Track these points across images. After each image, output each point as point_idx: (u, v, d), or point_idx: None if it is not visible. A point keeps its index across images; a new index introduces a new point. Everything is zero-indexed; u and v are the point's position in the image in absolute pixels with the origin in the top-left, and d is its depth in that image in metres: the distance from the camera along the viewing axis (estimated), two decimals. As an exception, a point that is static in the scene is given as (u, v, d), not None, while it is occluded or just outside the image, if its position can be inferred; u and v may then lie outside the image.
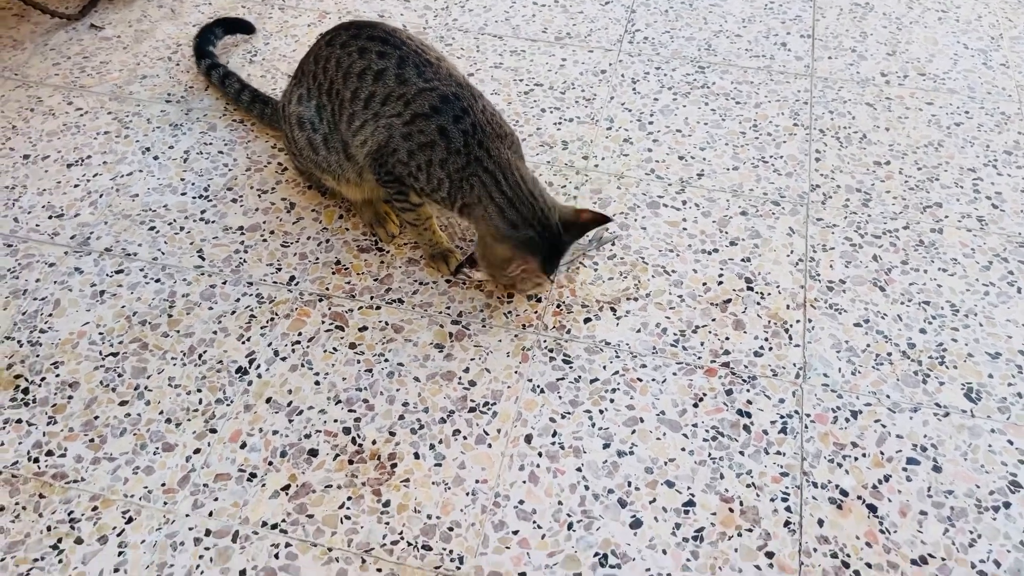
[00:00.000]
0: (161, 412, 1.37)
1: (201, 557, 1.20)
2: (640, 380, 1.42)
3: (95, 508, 1.25)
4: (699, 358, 1.45)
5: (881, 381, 1.41)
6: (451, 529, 1.24)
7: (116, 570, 1.19)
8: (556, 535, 1.23)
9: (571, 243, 1.44)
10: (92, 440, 1.33)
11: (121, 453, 1.32)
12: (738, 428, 1.35)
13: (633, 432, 1.35)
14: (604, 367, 1.44)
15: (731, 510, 1.26)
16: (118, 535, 1.22)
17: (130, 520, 1.24)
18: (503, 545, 1.22)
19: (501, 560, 1.20)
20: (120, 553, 1.20)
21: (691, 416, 1.37)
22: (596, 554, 1.21)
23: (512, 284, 1.48)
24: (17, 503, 1.25)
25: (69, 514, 1.24)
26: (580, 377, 1.43)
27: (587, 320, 1.51)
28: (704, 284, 1.57)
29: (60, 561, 1.19)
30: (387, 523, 1.24)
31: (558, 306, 1.53)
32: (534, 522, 1.25)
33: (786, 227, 1.67)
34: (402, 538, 1.23)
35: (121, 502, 1.26)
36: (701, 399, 1.39)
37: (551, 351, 1.47)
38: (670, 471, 1.30)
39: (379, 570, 1.19)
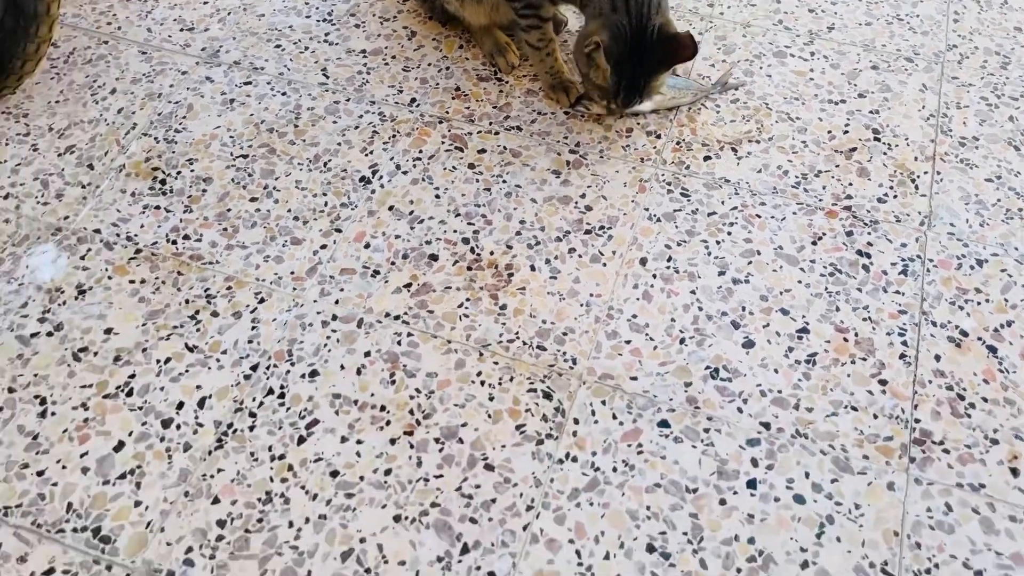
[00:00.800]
0: (289, 210, 1.42)
1: (328, 337, 1.26)
2: (759, 217, 1.41)
3: (229, 288, 1.32)
4: (820, 200, 1.43)
5: (1010, 234, 1.38)
6: (565, 334, 1.27)
7: (250, 341, 1.26)
8: (668, 348, 1.25)
9: (653, 63, 1.41)
10: (225, 229, 1.39)
11: (252, 243, 1.38)
12: (856, 267, 1.34)
13: (749, 263, 1.35)
14: (722, 202, 1.43)
15: (845, 339, 1.26)
16: (251, 312, 1.29)
17: (262, 300, 1.31)
18: (615, 352, 1.25)
19: (613, 365, 1.24)
20: (253, 327, 1.27)
21: (809, 252, 1.36)
22: (707, 367, 1.23)
23: (589, 80, 1.46)
24: (157, 278, 1.33)
25: (205, 291, 1.32)
26: (697, 210, 1.43)
27: (707, 158, 1.50)
28: (829, 132, 1.54)
29: (198, 330, 1.27)
30: (503, 324, 1.28)
31: (677, 143, 1.52)
32: (646, 334, 1.27)
33: (919, 83, 1.61)
34: (518, 338, 1.27)
35: (253, 284, 1.32)
36: (820, 238, 1.38)
37: (669, 184, 1.46)
38: (785, 300, 1.30)
39: (496, 363, 1.24)
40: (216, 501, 1.10)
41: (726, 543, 1.07)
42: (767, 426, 1.17)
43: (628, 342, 1.26)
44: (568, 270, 1.35)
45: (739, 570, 1.05)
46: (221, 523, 1.09)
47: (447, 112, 1.57)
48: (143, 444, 1.15)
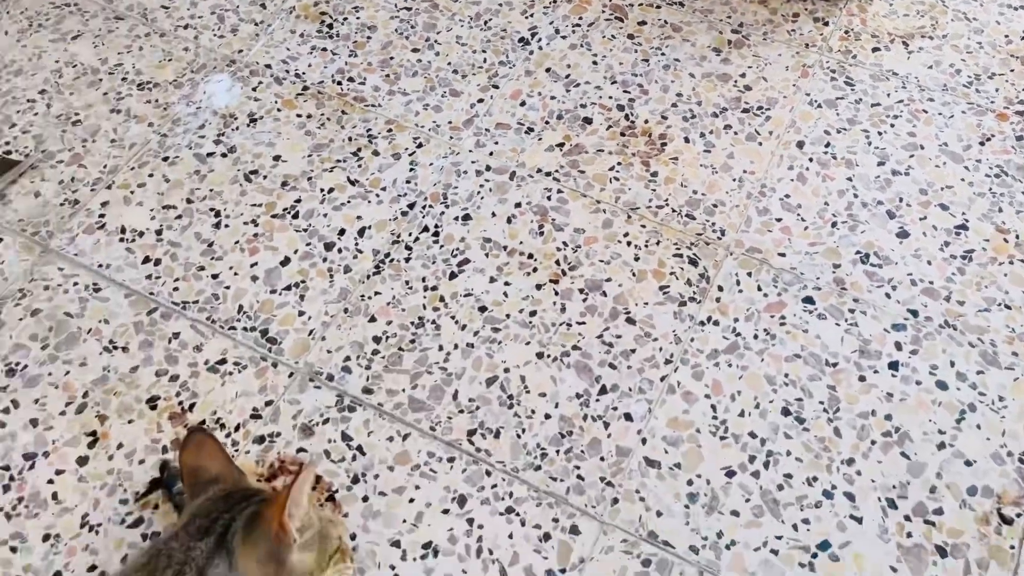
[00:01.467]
0: (449, 63, 1.45)
1: (481, 186, 1.30)
2: (925, 112, 1.37)
3: (390, 130, 1.37)
4: (992, 102, 1.38)
5: None
6: (715, 206, 1.28)
7: (408, 181, 1.31)
8: (819, 229, 1.25)
9: None
10: (388, 76, 1.43)
11: (413, 90, 1.41)
12: (1025, 171, 1.29)
13: (911, 156, 1.32)
14: (888, 94, 1.39)
15: (1006, 240, 1.23)
16: (410, 155, 1.34)
17: (420, 145, 1.35)
18: (765, 228, 1.25)
19: (762, 240, 1.24)
20: (411, 168, 1.32)
21: (975, 152, 1.32)
22: (858, 252, 1.22)
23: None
24: (323, 114, 1.39)
25: (367, 131, 1.37)
26: (861, 100, 1.39)
27: (875, 49, 1.45)
28: (1006, 36, 1.46)
29: (359, 166, 1.33)
30: (653, 190, 1.29)
31: (846, 32, 1.47)
32: (798, 215, 1.26)
33: (1116, -8, 1.51)
34: (667, 204, 1.28)
35: (412, 129, 1.37)
36: (989, 139, 1.33)
37: (833, 72, 1.43)
38: (945, 196, 1.27)
39: (643, 226, 1.26)
40: (373, 320, 1.17)
41: (862, 416, 1.08)
42: (915, 313, 1.16)
43: (779, 220, 1.26)
44: (723, 145, 1.34)
45: (873, 442, 1.07)
46: (377, 339, 1.16)
47: (609, -17, 1.56)
48: (307, 262, 1.23)
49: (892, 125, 1.35)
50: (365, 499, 1.03)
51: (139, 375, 1.12)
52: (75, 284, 1.20)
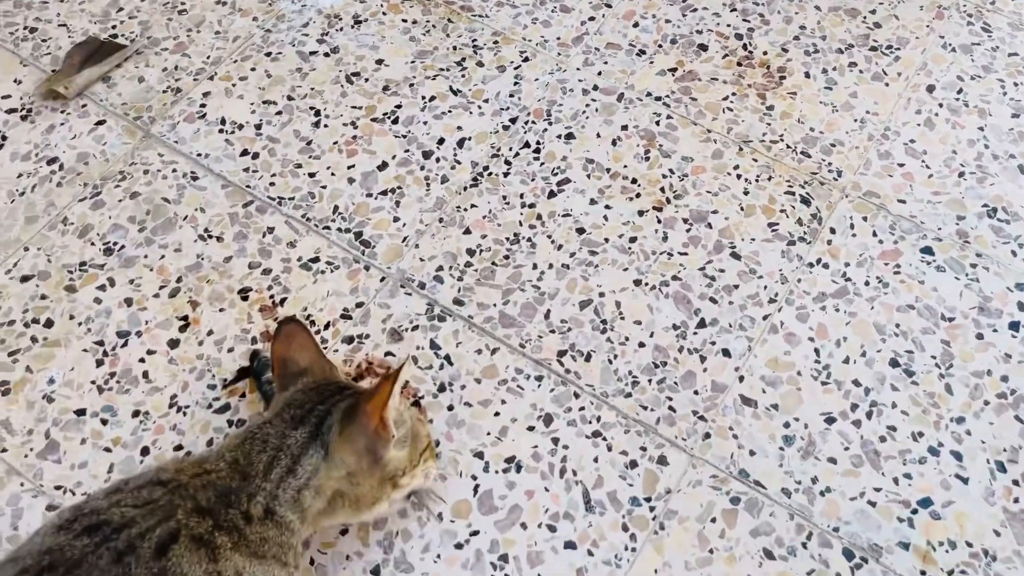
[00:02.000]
0: (561, -22, 1.39)
1: (587, 105, 1.25)
2: (1071, 64, 1.27)
3: (496, 42, 1.32)
4: None
5: None
6: (833, 145, 1.21)
7: (511, 95, 1.26)
8: (944, 179, 1.17)
9: None
10: (497, -14, 1.38)
11: (522, 3, 1.36)
12: None
13: (1051, 109, 1.23)
14: (1030, 43, 1.29)
15: None
16: (515, 68, 1.29)
17: (526, 59, 1.30)
18: (886, 172, 1.18)
19: (881, 184, 1.17)
20: (516, 83, 1.28)
21: (1124, 111, 1.22)
22: (984, 205, 1.15)
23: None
24: (428, 21, 1.35)
25: (473, 41, 1.32)
26: (998, 48, 1.29)
27: (1020, -6, 1.35)
28: None
29: (463, 76, 1.29)
30: (768, 124, 1.23)
31: (989, -26, 1.37)
32: (923, 161, 1.19)
33: None
34: (781, 140, 1.21)
35: (519, 43, 1.32)
36: None
37: (970, 16, 1.33)
38: (1087, 154, 1.18)
39: (755, 160, 1.20)
40: (468, 232, 1.15)
41: (976, 375, 1.02)
42: (1043, 274, 1.09)
43: (901, 165, 1.19)
44: (846, 83, 1.26)
45: (987, 402, 1.01)
46: (471, 252, 1.13)
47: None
48: (404, 168, 1.20)
49: (1033, 75, 1.26)
50: (450, 408, 1.02)
51: (232, 265, 1.12)
52: (173, 171, 1.20)
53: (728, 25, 1.33)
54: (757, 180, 1.18)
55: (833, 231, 1.13)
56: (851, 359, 1.04)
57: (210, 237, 1.14)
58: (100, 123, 1.24)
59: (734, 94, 1.26)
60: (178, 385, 1.04)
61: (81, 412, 1.02)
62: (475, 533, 0.94)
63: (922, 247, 1.12)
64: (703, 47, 1.31)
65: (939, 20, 1.32)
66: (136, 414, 1.02)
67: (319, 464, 0.78)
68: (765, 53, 1.30)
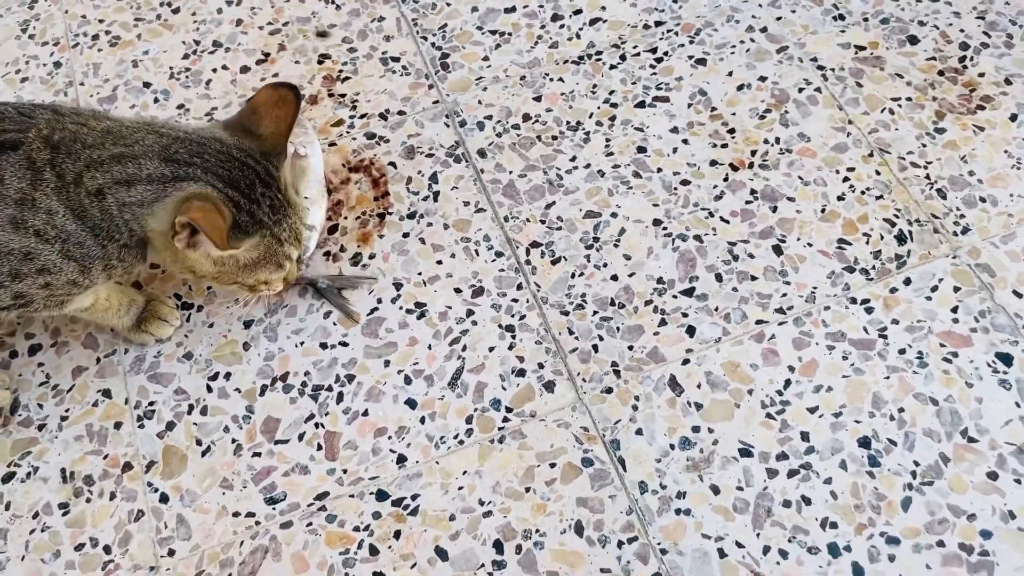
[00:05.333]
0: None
1: (742, 42, 1.11)
2: None
3: (698, -53, 1.20)
4: None
5: None
6: (982, 199, 0.96)
7: (675, 0, 1.16)
8: (1094, 298, 0.90)
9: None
10: None
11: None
12: None
13: None
14: None
15: None
16: (696, -23, 1.17)
17: (714, -26, 1.17)
18: (1022, 254, 0.93)
19: (1007, 265, 0.92)
20: (687, -10, 1.16)
21: None
22: (1123, 351, 0.87)
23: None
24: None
25: (676, -63, 1.22)
26: None
27: None
28: None
29: (642, -36, 1.19)
30: (924, 145, 1.01)
31: None
32: (1081, 267, 0.92)
33: None
34: (925, 167, 0.99)
35: (720, -44, 1.19)
36: None
37: None
38: None
39: (877, 172, 0.99)
40: (538, 99, 1.08)
41: (953, 511, 0.79)
42: None
43: (1048, 257, 0.92)
44: (1052, 145, 1.00)
45: (941, 544, 0.78)
46: (527, 117, 1.07)
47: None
48: (527, 20, 1.15)
49: None
50: (405, 235, 0.99)
51: (332, 32, 1.16)
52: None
53: (961, 30, 1.10)
54: (864, 192, 0.98)
55: (908, 283, 0.92)
56: (819, 411, 0.85)
57: (332, 3, 1.19)
58: None
59: (909, 99, 1.04)
60: (223, 103, 1.11)
61: (147, 84, 1.13)
62: (344, 344, 0.93)
63: (1001, 352, 0.87)
64: (913, 39, 1.09)
65: None
66: (181, 106, 1.11)
67: (149, 207, 0.77)
68: (981, 75, 1.06)
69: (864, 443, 0.84)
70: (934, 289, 0.92)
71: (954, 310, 0.90)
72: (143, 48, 1.17)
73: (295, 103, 0.82)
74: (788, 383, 0.87)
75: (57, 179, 0.74)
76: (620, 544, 0.80)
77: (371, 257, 0.98)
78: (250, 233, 0.78)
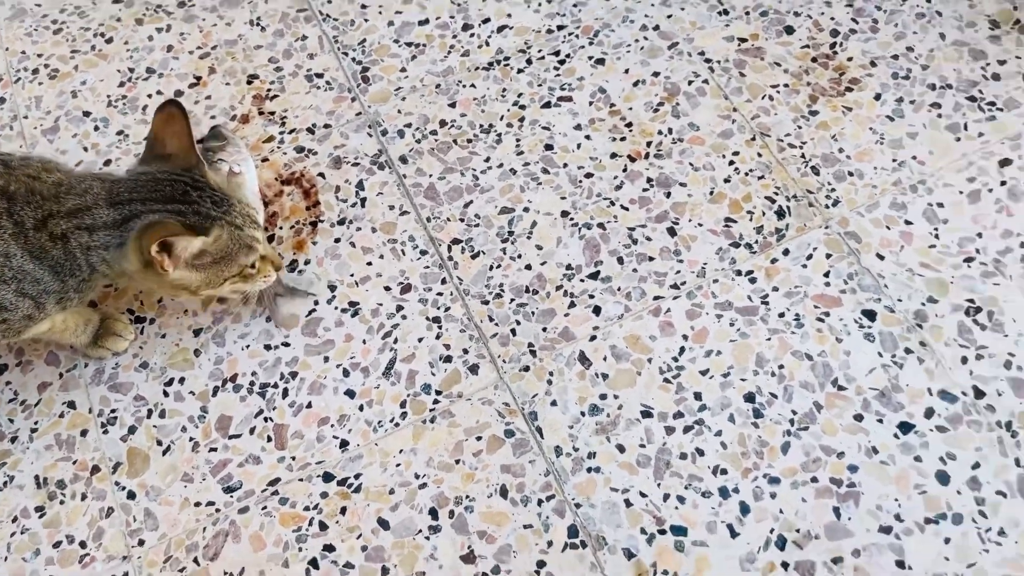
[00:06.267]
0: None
1: (636, 41, 1.21)
2: None
3: (594, -48, 1.30)
4: None
5: None
6: (850, 174, 1.08)
7: (575, 4, 1.25)
8: (946, 256, 1.02)
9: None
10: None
11: (643, -75, 1.32)
12: None
13: None
14: None
15: None
16: (593, -18, 1.27)
17: (610, -22, 1.27)
18: (885, 223, 1.04)
19: (872, 232, 1.04)
20: (585, -6, 1.26)
21: None
22: (969, 301, 0.98)
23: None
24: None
25: (574, -56, 1.31)
26: None
27: None
28: None
29: (544, -29, 1.29)
30: (799, 127, 1.12)
31: None
32: (935, 230, 1.03)
33: None
34: (801, 147, 1.10)
35: (614, -40, 1.29)
36: None
37: (1120, 108, 1.10)
38: None
39: (759, 155, 1.11)
40: (453, 105, 1.18)
41: (825, 451, 0.92)
42: (966, 394, 0.93)
43: (908, 223, 1.04)
44: (912, 121, 1.11)
45: (814, 479, 0.90)
46: (443, 123, 1.16)
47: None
48: (440, 31, 1.24)
49: None
50: (337, 240, 1.09)
51: (258, 54, 1.24)
52: (264, -39, 1.33)
53: (832, 19, 1.21)
54: (747, 174, 1.09)
55: (786, 253, 1.04)
56: (709, 373, 0.97)
57: (257, 24, 1.27)
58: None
59: (787, 85, 1.16)
60: (161, 126, 1.19)
61: (87, 113, 1.21)
62: (287, 344, 1.02)
63: (866, 309, 0.99)
64: (790, 29, 1.20)
65: (1076, 99, 1.11)
66: (120, 132, 1.19)
67: (113, 250, 0.84)
68: (850, 59, 1.17)
69: (749, 398, 0.95)
70: (809, 257, 1.03)
71: (826, 275, 1.02)
72: (80, 79, 1.24)
73: (182, 115, 0.90)
74: (683, 350, 0.99)
75: (15, 226, 0.82)
76: (540, 502, 0.91)
77: (306, 263, 1.07)
78: (207, 227, 0.86)
